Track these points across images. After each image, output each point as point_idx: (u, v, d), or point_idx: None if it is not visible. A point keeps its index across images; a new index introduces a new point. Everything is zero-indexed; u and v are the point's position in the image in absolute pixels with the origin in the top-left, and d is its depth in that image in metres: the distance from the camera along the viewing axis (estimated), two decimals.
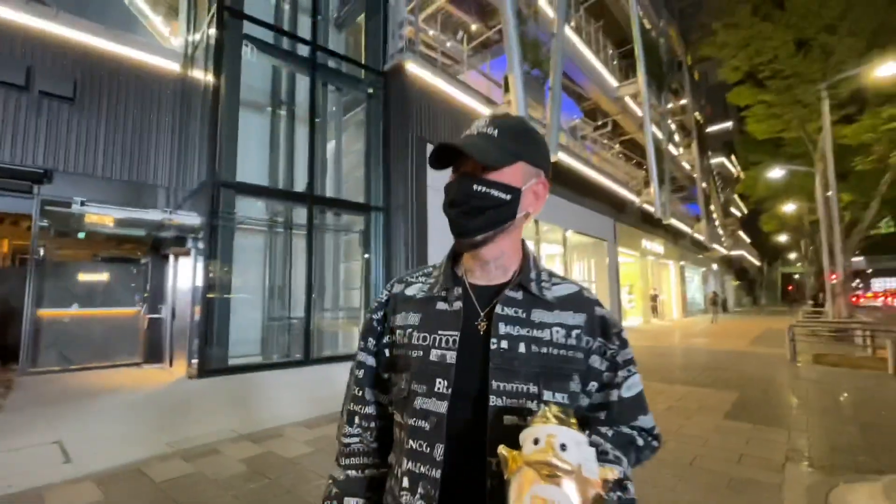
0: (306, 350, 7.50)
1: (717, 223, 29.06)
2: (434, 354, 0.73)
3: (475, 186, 0.71)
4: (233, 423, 4.51)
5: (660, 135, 19.38)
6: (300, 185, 8.23)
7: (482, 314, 0.75)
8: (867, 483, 2.91)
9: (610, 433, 0.72)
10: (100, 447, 3.79)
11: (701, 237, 26.37)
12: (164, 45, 8.70)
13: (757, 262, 49.10)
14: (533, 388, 0.69)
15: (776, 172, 15.66)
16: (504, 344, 0.71)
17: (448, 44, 11.24)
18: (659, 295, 21.54)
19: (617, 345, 0.77)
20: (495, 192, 0.71)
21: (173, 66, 8.22)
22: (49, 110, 6.79)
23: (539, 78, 14.32)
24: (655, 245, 21.62)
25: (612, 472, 0.53)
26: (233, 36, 6.91)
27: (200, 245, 6.67)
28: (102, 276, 7.95)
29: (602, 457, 0.64)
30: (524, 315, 0.74)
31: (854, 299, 18.37)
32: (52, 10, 7.03)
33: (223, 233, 6.70)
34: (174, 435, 4.11)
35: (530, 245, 0.83)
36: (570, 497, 0.48)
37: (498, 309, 0.74)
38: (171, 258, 7.98)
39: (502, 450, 0.57)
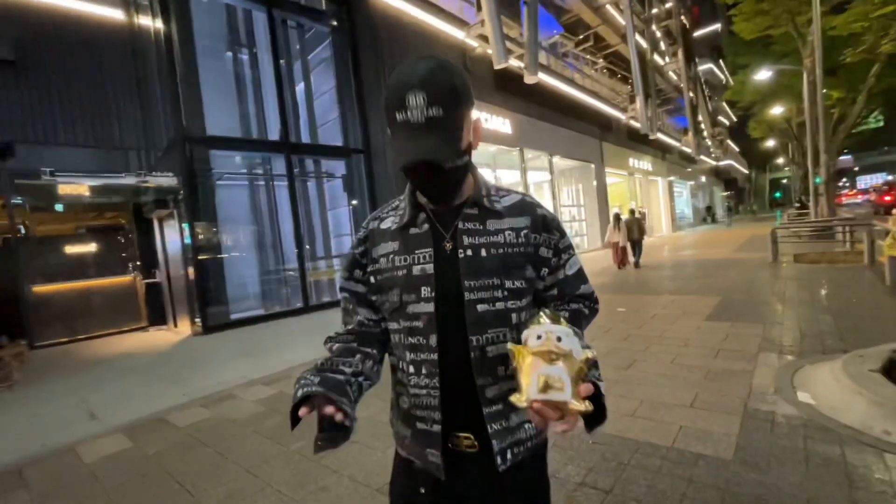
0: (304, 298, 7.69)
1: (705, 134, 28.61)
2: (416, 269, 0.88)
3: (442, 174, 0.81)
4: (243, 370, 4.75)
5: (644, 44, 18.48)
6: (274, 134, 7.96)
7: (447, 235, 0.89)
8: (829, 361, 3.19)
9: (567, 313, 0.91)
10: (122, 404, 4.03)
11: (689, 150, 26.12)
12: None
13: (745, 171, 49.13)
14: (496, 280, 0.86)
15: (764, 74, 15.26)
16: (469, 252, 0.87)
17: None
18: (646, 213, 21.78)
19: (557, 236, 0.94)
20: (459, 163, 0.82)
21: (117, 15, 7.57)
22: None
23: None
24: (643, 163, 21.46)
25: (591, 353, 0.70)
26: None
27: (182, 206, 6.58)
28: (90, 247, 7.90)
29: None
30: (481, 227, 0.89)
31: (837, 199, 18.65)
32: None
33: (203, 191, 6.58)
34: (190, 386, 4.35)
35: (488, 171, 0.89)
36: (567, 372, 0.65)
37: (460, 225, 0.89)
38: (156, 222, 7.89)
39: (511, 346, 0.72)
